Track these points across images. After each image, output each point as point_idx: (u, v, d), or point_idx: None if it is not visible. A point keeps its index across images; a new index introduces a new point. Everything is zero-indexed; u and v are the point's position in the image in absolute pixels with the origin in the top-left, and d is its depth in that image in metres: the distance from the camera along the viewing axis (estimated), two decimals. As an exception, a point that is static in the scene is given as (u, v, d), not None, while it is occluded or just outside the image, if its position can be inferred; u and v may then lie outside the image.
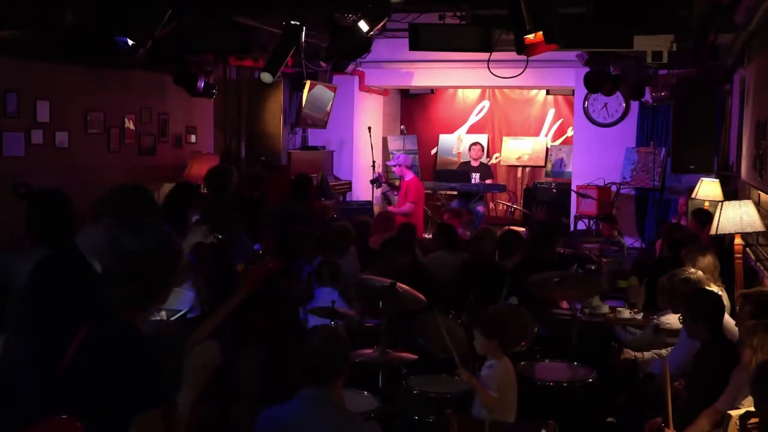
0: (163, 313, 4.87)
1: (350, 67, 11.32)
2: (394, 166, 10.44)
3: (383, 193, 11.14)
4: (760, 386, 3.20)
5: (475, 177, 11.81)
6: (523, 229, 9.22)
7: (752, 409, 3.53)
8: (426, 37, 6.63)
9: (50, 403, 2.49)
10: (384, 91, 13.09)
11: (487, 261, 6.42)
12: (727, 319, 4.87)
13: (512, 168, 13.47)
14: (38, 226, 3.98)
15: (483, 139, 13.36)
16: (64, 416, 2.31)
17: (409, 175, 10.16)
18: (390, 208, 10.35)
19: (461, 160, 13.01)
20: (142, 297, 2.54)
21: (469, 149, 12.40)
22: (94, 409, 2.34)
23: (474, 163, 12.03)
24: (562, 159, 12.56)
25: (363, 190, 11.81)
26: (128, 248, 2.48)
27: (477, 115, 13.87)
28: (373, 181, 10.71)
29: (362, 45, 7.07)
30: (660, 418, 4.16)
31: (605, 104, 10.99)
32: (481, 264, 6.39)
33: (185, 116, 9.26)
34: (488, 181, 11.99)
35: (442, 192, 12.00)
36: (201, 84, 8.27)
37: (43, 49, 6.73)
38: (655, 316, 5.64)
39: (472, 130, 13.77)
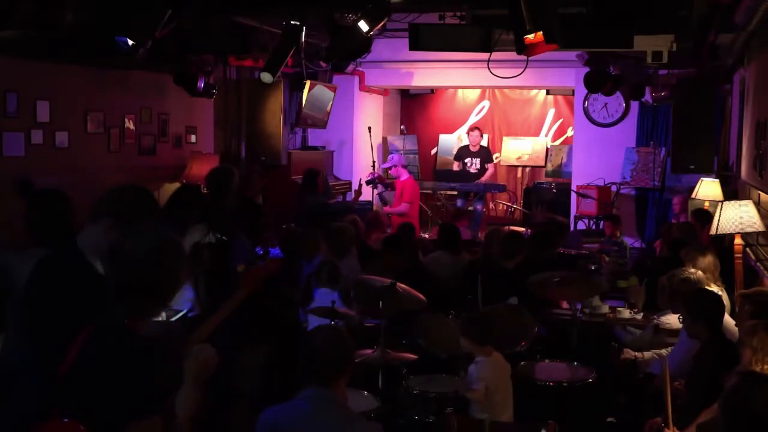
0: (163, 314, 4.88)
1: (350, 67, 11.33)
2: (390, 167, 10.44)
3: (379, 194, 11.14)
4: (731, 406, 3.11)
5: (476, 162, 11.71)
6: (523, 229, 9.22)
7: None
8: (426, 37, 6.63)
9: (51, 404, 2.48)
10: (384, 91, 13.09)
11: (489, 261, 6.42)
12: (727, 319, 4.86)
13: (512, 168, 13.46)
14: (38, 226, 3.98)
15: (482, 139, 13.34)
16: (67, 418, 2.31)
17: (405, 176, 10.17)
18: (386, 209, 10.37)
19: (462, 144, 12.86)
20: (149, 306, 2.53)
21: (468, 134, 12.27)
22: (94, 412, 2.33)
23: (473, 148, 11.90)
24: (563, 159, 12.56)
25: (362, 190, 11.80)
26: (133, 261, 2.46)
27: (477, 115, 13.87)
28: (369, 182, 10.72)
29: (362, 45, 7.07)
30: (660, 418, 4.15)
31: (605, 104, 11.00)
32: (483, 264, 6.39)
33: (185, 116, 9.26)
34: (488, 167, 11.78)
35: (442, 192, 12.00)
36: (201, 84, 8.27)
37: (43, 49, 6.73)
38: (655, 316, 5.63)
39: (472, 130, 13.76)
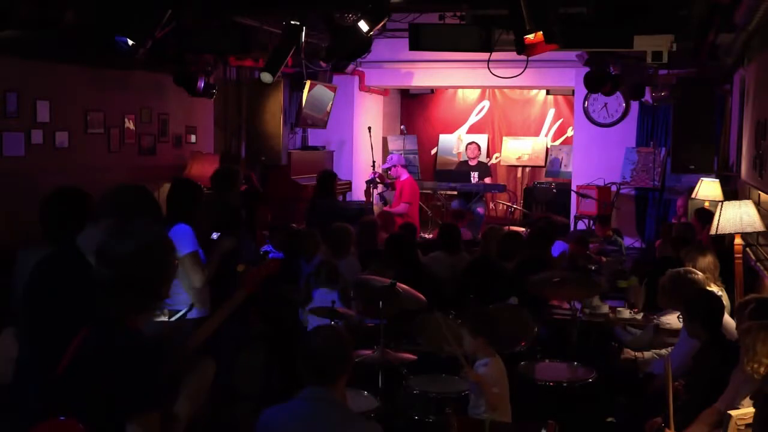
0: (163, 314, 4.88)
1: (350, 67, 11.32)
2: (389, 167, 10.45)
3: (380, 194, 11.13)
4: None
5: (474, 176, 11.84)
6: (522, 229, 9.23)
7: (752, 409, 3.53)
8: (426, 37, 6.63)
9: (49, 402, 2.49)
10: (384, 91, 13.09)
11: (489, 261, 6.43)
12: (727, 319, 4.86)
13: (512, 168, 13.47)
14: (50, 223, 3.96)
15: (482, 139, 13.38)
16: (65, 417, 2.32)
17: (404, 175, 10.17)
18: (386, 209, 10.37)
19: (461, 159, 13.04)
20: (141, 300, 2.54)
21: (466, 149, 12.51)
22: (92, 410, 2.34)
23: (472, 162, 12.08)
24: (559, 159, 12.57)
25: (363, 190, 11.83)
26: (118, 256, 2.48)
27: (477, 115, 13.88)
28: (369, 182, 10.71)
29: (362, 45, 7.07)
30: (660, 418, 4.15)
31: (605, 104, 10.99)
32: (483, 264, 6.40)
33: (185, 116, 9.26)
34: (487, 180, 12.00)
35: (442, 192, 12.01)
36: (201, 84, 8.27)
37: (43, 49, 6.73)
38: (655, 316, 5.63)
39: (472, 130, 13.78)
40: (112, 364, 2.37)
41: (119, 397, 2.33)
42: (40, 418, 2.45)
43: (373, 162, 11.08)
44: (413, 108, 14.26)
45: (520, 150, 13.18)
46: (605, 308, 6.13)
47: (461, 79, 11.71)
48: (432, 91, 13.86)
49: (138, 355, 2.40)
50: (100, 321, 2.49)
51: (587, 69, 8.21)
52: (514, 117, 13.73)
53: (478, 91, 13.80)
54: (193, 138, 9.44)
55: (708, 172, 8.89)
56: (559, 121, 13.38)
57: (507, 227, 8.34)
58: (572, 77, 10.74)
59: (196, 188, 5.03)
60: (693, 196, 8.81)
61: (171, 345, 3.17)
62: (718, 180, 8.75)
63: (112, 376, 2.35)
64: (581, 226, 10.57)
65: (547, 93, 13.35)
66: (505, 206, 12.10)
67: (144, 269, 2.50)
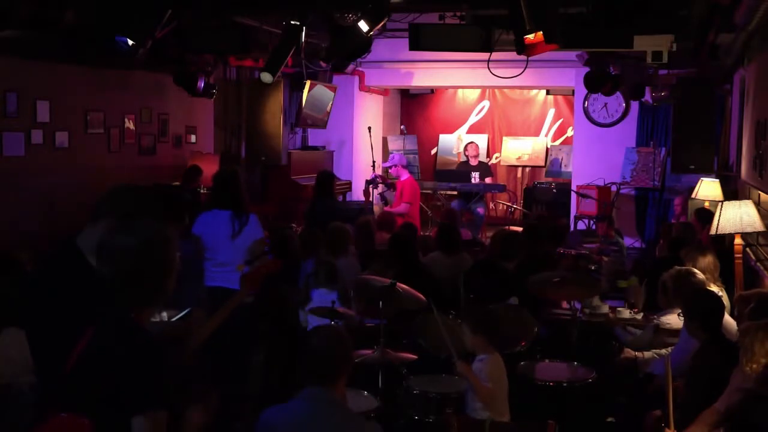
0: (164, 314, 4.88)
1: (350, 67, 11.32)
2: (390, 166, 10.44)
3: (381, 194, 11.14)
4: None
5: (475, 176, 11.83)
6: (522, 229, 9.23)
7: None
8: (426, 37, 6.64)
9: (54, 401, 2.49)
10: (384, 91, 13.10)
11: (489, 261, 6.42)
12: (727, 319, 4.86)
13: (512, 168, 13.48)
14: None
15: (482, 139, 13.38)
16: (72, 414, 2.32)
17: (405, 175, 10.16)
18: (386, 209, 10.37)
19: (461, 160, 13.05)
20: (144, 296, 2.54)
21: (465, 149, 12.49)
22: (99, 408, 2.34)
23: (473, 162, 12.08)
24: (559, 159, 12.58)
25: (363, 191, 11.83)
26: (121, 251, 2.48)
27: (477, 115, 13.89)
28: (369, 182, 10.72)
29: (362, 45, 7.08)
30: (660, 411, 4.15)
31: (605, 104, 11.00)
32: (484, 264, 6.39)
33: (185, 116, 9.26)
34: (488, 180, 11.99)
35: (442, 192, 12.02)
36: (201, 84, 8.28)
37: (43, 49, 6.74)
38: (655, 316, 5.63)
39: (472, 130, 13.79)
40: (118, 363, 2.37)
41: (125, 396, 2.34)
42: (44, 414, 2.45)
43: (373, 162, 11.08)
44: (413, 108, 14.27)
45: (520, 150, 13.19)
46: (605, 308, 6.13)
47: (461, 79, 11.72)
48: (432, 91, 13.87)
49: (143, 354, 2.40)
50: (105, 319, 2.50)
51: (587, 69, 8.21)
52: (514, 117, 13.73)
53: (478, 91, 13.81)
54: (193, 138, 9.45)
55: (708, 172, 8.89)
56: (559, 121, 13.38)
57: (507, 227, 8.34)
58: (572, 77, 10.74)
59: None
60: (693, 196, 8.81)
61: (173, 345, 3.17)
62: (718, 180, 8.75)
63: (121, 372, 2.35)
64: (581, 226, 10.57)
65: (547, 93, 13.36)
66: (505, 206, 12.10)
67: (145, 264, 2.50)
